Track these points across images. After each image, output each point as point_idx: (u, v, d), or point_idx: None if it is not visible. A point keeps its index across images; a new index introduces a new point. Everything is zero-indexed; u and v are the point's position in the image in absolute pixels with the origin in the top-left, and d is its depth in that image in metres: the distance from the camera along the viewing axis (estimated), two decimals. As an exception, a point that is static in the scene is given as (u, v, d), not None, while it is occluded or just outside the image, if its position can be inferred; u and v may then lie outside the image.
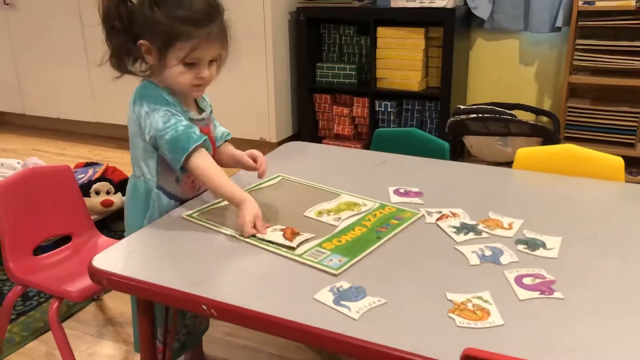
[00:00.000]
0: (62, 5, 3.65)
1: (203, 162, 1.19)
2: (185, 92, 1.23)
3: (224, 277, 1.03)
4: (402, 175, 1.46)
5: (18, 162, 3.02)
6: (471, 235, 1.13)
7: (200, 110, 1.32)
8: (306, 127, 3.37)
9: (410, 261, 1.05)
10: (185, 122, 1.19)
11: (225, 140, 1.41)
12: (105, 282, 1.01)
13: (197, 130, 1.20)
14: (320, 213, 1.21)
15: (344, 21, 3.29)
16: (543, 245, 1.10)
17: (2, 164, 3.02)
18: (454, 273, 1.01)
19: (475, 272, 1.01)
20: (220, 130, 1.41)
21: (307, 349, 1.71)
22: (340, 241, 1.10)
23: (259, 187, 1.36)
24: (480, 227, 1.16)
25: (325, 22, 3.32)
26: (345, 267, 1.01)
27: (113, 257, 1.08)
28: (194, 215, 1.22)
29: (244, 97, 3.29)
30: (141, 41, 1.17)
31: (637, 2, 2.54)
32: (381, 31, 3.04)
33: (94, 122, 3.81)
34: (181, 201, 1.28)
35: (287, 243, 1.07)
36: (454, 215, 1.20)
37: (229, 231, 1.14)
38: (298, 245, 1.07)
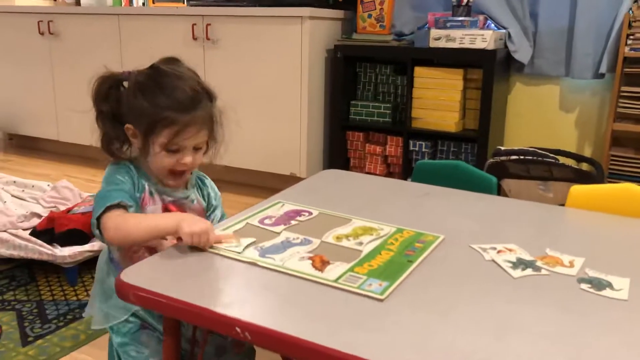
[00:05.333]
0: (103, 37, 3.74)
1: (116, 219, 1.09)
2: (163, 178, 1.21)
3: (256, 300, 0.95)
4: (447, 208, 1.38)
5: (48, 185, 3.02)
6: (529, 271, 1.03)
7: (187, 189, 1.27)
8: (337, 164, 3.32)
9: (463, 297, 0.96)
10: (117, 187, 1.14)
11: None
12: (133, 297, 0.94)
13: (121, 193, 1.13)
14: (338, 238, 1.14)
15: (381, 60, 3.28)
16: (610, 285, 0.99)
17: (33, 186, 3.03)
18: (515, 311, 0.91)
19: (538, 310, 0.91)
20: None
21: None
22: (372, 265, 1.03)
23: (259, 213, 1.28)
24: (539, 263, 1.06)
25: (362, 61, 3.31)
26: (390, 290, 0.94)
27: (142, 272, 1.01)
28: None
29: (277, 130, 3.27)
30: (127, 125, 1.19)
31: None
32: (419, 71, 3.01)
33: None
34: None
35: (320, 275, 0.99)
36: (510, 250, 1.11)
37: (246, 258, 1.06)
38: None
